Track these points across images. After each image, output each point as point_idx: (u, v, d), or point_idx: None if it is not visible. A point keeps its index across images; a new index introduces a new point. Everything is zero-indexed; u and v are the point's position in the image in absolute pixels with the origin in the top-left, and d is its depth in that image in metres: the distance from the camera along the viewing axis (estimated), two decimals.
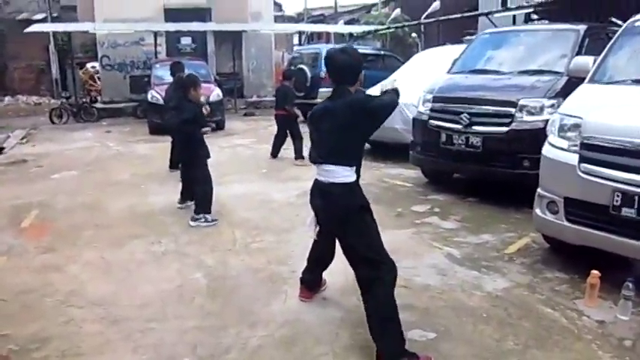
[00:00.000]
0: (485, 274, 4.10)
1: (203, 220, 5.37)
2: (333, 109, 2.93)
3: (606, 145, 3.68)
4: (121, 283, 4.07)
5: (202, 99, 6.86)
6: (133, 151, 10.09)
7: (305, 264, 3.77)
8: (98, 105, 16.36)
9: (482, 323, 3.36)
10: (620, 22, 7.37)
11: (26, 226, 5.58)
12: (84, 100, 16.48)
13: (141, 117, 15.23)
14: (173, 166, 7.57)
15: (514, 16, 12.16)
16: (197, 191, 5.53)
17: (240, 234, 5.07)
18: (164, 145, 10.25)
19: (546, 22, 10.72)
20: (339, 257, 3.64)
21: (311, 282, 3.72)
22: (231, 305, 3.64)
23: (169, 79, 12.81)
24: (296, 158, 8.67)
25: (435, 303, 3.64)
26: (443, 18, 14.13)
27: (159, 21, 17.18)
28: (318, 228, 3.20)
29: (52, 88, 23.04)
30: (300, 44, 25.53)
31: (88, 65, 19.88)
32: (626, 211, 3.51)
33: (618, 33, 4.74)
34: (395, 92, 3.13)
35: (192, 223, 5.37)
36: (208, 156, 5.61)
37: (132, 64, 17.73)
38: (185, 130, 5.56)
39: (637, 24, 4.61)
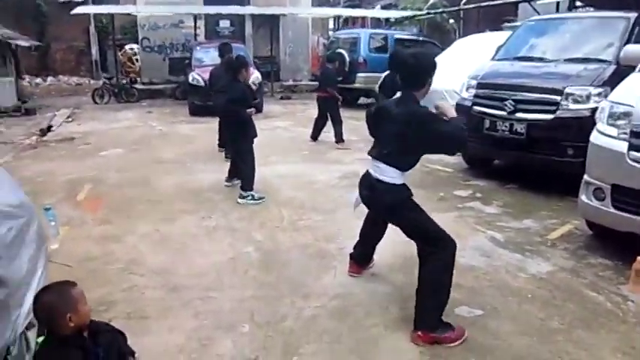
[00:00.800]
0: (528, 257, 4.19)
1: (250, 197, 5.55)
2: (394, 115, 2.96)
3: None
4: (177, 254, 4.29)
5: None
6: (176, 131, 10.37)
7: (352, 241, 3.92)
8: (138, 86, 16.74)
9: (527, 303, 3.46)
10: None
11: (82, 200, 5.86)
12: (124, 81, 16.88)
13: (180, 98, 15.56)
14: (222, 144, 7.79)
15: (557, 3, 11.94)
16: (242, 169, 5.72)
17: (287, 212, 5.25)
18: (205, 125, 10.58)
19: (591, 9, 10.53)
20: (388, 236, 3.79)
21: (361, 257, 3.83)
22: (284, 278, 3.82)
23: (210, 61, 13.23)
24: (336, 142, 8.73)
25: (480, 283, 3.75)
26: (484, 4, 13.96)
27: (198, 4, 17.40)
28: (359, 205, 3.38)
29: (92, 69, 23.60)
30: (334, 29, 25.48)
31: (127, 47, 20.28)
32: None
33: None
34: (463, 123, 3.03)
35: (240, 201, 5.54)
36: (255, 135, 5.78)
37: (171, 46, 18.03)
38: (232, 109, 5.71)
39: None
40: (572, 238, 4.60)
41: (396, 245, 4.14)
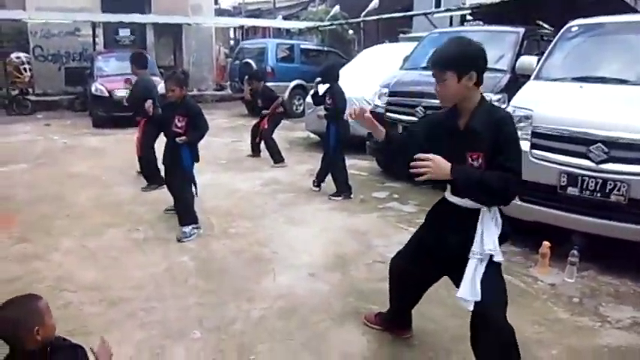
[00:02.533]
0: None
1: (188, 235, 4.82)
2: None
3: (553, 133, 4.26)
4: (109, 269, 4.20)
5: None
6: (82, 144, 9.89)
7: (285, 246, 4.07)
8: (31, 97, 15.71)
9: (454, 289, 3.79)
10: (546, 26, 8.17)
11: None
12: (15, 92, 15.77)
13: (79, 110, 14.84)
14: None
15: (451, 17, 12.88)
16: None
17: (215, 220, 5.28)
18: (113, 137, 10.24)
19: (481, 23, 11.49)
20: (317, 237, 3.99)
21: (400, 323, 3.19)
22: (225, 284, 3.89)
23: (112, 70, 12.81)
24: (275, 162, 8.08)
25: None
26: (385, 16, 14.69)
27: (95, 11, 16.69)
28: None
29: None
30: (235, 38, 25.46)
31: (12, 56, 18.94)
32: (571, 190, 4.08)
33: (557, 36, 5.35)
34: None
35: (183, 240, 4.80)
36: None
37: (67, 55, 17.11)
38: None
39: (572, 29, 5.24)
40: None
41: (327, 245, 4.36)
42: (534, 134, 4.35)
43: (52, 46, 16.99)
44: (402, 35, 14.14)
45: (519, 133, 4.41)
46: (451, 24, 12.88)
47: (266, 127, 8.20)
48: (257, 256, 4.42)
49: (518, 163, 2.34)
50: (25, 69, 17.79)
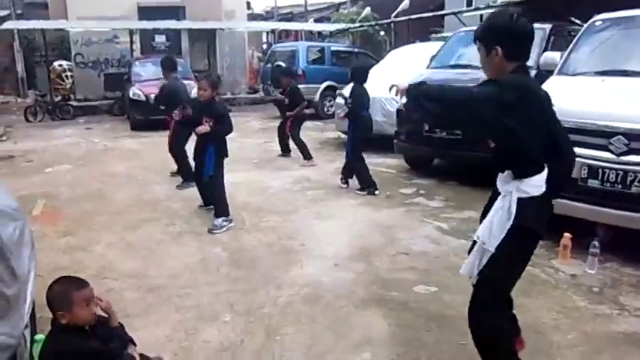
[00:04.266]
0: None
1: (219, 228, 5.07)
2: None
3: (575, 127, 4.30)
4: (147, 259, 4.47)
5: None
6: (121, 146, 10.33)
7: (312, 239, 4.27)
8: (72, 103, 16.39)
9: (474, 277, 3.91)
10: (578, 21, 8.13)
11: (38, 214, 5.86)
12: (58, 98, 16.47)
13: (118, 114, 15.40)
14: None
15: (481, 15, 12.85)
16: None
17: (247, 215, 5.51)
18: (150, 140, 10.65)
19: None
20: (344, 231, 4.14)
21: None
22: (255, 272, 4.10)
23: (149, 75, 13.26)
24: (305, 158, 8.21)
25: (432, 265, 4.19)
26: (415, 16, 14.75)
27: (132, 19, 17.32)
28: None
29: (18, 86, 22.68)
30: (267, 42, 25.87)
31: (56, 64, 19.76)
32: (592, 182, 4.15)
33: (581, 32, 5.40)
34: None
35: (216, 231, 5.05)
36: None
37: (106, 61, 17.81)
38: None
39: (597, 23, 5.27)
40: None
41: (353, 238, 4.53)
42: None
43: (91, 53, 17.69)
44: (433, 35, 14.20)
45: None
46: (481, 21, 12.86)
47: (289, 130, 8.40)
48: (286, 248, 4.62)
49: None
50: (67, 76, 18.57)
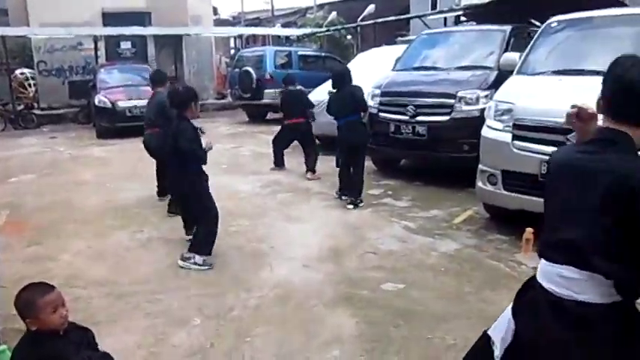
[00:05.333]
0: (438, 239, 4.80)
1: (193, 262, 4.31)
2: (591, 169, 1.65)
3: (533, 124, 4.47)
4: (116, 266, 4.44)
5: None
6: (87, 155, 10.17)
7: (282, 241, 4.29)
8: (36, 111, 16.06)
9: (441, 275, 4.02)
10: (537, 23, 8.38)
11: (2, 225, 5.75)
12: (21, 106, 16.11)
13: (84, 122, 15.14)
14: (162, 192, 6.28)
15: (445, 19, 13.11)
16: (202, 228, 4.50)
17: None
18: (118, 147, 10.53)
19: (474, 23, 11.71)
20: (313, 231, 4.20)
21: None
22: (225, 276, 4.12)
23: (115, 82, 13.12)
24: (308, 171, 7.51)
25: (399, 263, 4.27)
26: (380, 20, 14.95)
27: (97, 25, 17.05)
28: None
29: None
30: (235, 47, 25.82)
31: (17, 72, 19.34)
32: None
33: (538, 32, 5.58)
34: None
35: (181, 263, 4.33)
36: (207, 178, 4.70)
37: (70, 69, 17.49)
38: (198, 154, 4.42)
39: (552, 25, 5.46)
40: (473, 221, 5.28)
41: (322, 239, 4.58)
42: (515, 126, 4.58)
43: (55, 60, 17.35)
44: (399, 39, 14.40)
45: (501, 125, 4.73)
46: (445, 25, 13.11)
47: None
48: (255, 251, 4.65)
49: None
50: (29, 84, 18.18)
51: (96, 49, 16.50)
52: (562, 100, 4.58)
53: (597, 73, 4.70)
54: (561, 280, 1.65)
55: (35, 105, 16.69)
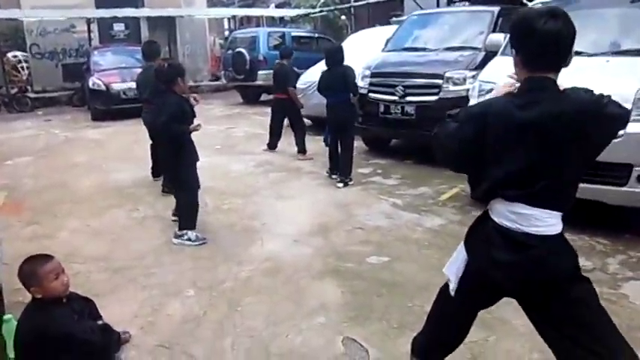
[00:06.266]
0: (424, 215, 4.97)
1: (187, 238, 4.47)
2: (537, 121, 1.77)
3: None
4: (113, 243, 4.60)
5: None
6: (82, 137, 10.28)
7: (273, 218, 4.43)
8: (30, 95, 16.08)
9: (425, 249, 4.20)
10: (529, 4, 8.47)
11: (0, 206, 5.89)
12: (15, 90, 16.12)
13: (78, 105, 15.19)
14: (157, 173, 6.40)
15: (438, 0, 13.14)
16: (181, 202, 4.70)
17: (209, 199, 5.65)
18: (112, 129, 10.64)
19: (467, 3, 11.76)
20: (304, 207, 4.36)
21: None
22: (218, 251, 4.29)
23: (109, 65, 13.16)
24: (298, 152, 7.63)
25: (386, 238, 4.45)
26: (373, 0, 14.95)
27: (89, 7, 16.98)
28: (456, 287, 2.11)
29: None
30: (229, 29, 25.72)
31: (9, 55, 19.27)
32: None
33: None
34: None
35: (175, 241, 4.48)
36: (197, 159, 4.77)
37: (63, 51, 17.46)
38: (172, 129, 4.48)
39: (536, 6, 5.56)
40: (459, 198, 5.45)
41: (311, 216, 4.74)
42: None
43: (48, 43, 17.32)
44: (394, 19, 14.42)
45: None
46: (438, 5, 13.14)
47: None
48: (247, 228, 4.81)
49: None
50: (22, 67, 18.15)
51: (89, 31, 16.47)
52: None
53: (579, 53, 4.88)
54: (513, 215, 1.86)
55: (29, 88, 16.70)
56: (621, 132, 2.19)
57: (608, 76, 4.33)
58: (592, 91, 1.84)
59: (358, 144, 7.96)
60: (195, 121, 4.66)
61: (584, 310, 1.88)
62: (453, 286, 2.11)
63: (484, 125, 1.86)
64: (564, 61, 1.82)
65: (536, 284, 1.88)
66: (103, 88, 12.29)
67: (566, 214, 1.88)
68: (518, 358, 2.78)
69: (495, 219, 1.92)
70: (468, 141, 1.91)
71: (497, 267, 1.90)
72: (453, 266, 2.14)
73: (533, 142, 1.79)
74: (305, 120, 8.20)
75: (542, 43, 1.78)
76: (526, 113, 1.79)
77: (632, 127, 3.42)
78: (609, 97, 1.83)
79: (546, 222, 1.84)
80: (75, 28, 17.22)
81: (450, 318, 2.25)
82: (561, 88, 1.83)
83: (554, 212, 1.85)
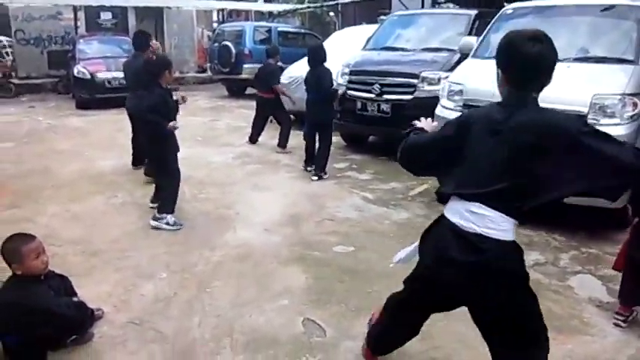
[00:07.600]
0: (392, 209, 5.20)
1: (165, 222, 4.68)
2: (511, 125, 1.92)
3: (480, 104, 4.83)
4: (91, 228, 4.76)
5: None
6: (66, 124, 10.35)
7: (247, 208, 4.63)
8: (14, 81, 16.03)
9: (390, 240, 4.43)
10: (507, 5, 8.73)
11: None
12: None
13: (63, 92, 15.19)
14: (137, 161, 6.55)
15: (422, 0, 13.39)
16: (162, 187, 4.94)
17: (187, 188, 5.81)
18: (96, 118, 10.73)
19: (451, 5, 12.00)
20: (275, 198, 4.54)
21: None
22: (192, 237, 4.48)
23: (94, 54, 13.21)
24: (279, 145, 7.79)
25: (353, 229, 4.67)
26: None
27: None
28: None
29: None
30: (218, 21, 25.73)
31: None
32: None
33: (495, 18, 5.93)
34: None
35: (152, 223, 4.69)
36: (177, 150, 4.96)
37: (49, 38, 17.37)
38: (151, 119, 4.68)
39: (508, 12, 5.82)
40: (427, 194, 5.68)
41: (284, 207, 4.94)
42: (465, 105, 4.95)
43: (33, 29, 17.22)
44: (382, 17, 14.62)
45: (453, 105, 5.11)
46: (423, 6, 13.38)
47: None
48: (222, 216, 5.00)
49: None
50: (7, 52, 18.04)
51: (75, 19, 16.45)
52: None
53: None
54: (469, 214, 1.96)
55: (13, 74, 16.63)
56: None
57: (567, 82, 4.57)
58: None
59: (336, 139, 8.16)
60: (179, 116, 4.85)
61: (519, 320, 2.02)
62: (397, 257, 2.40)
63: (468, 125, 2.05)
64: (546, 82, 1.96)
65: (483, 287, 1.97)
66: (88, 76, 12.35)
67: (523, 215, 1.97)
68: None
69: (450, 217, 2.03)
70: (447, 137, 2.13)
71: (448, 265, 2.00)
72: (403, 252, 2.42)
73: (501, 145, 1.92)
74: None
75: (526, 67, 1.93)
76: (502, 118, 1.94)
77: None
78: (592, 126, 1.97)
79: (500, 226, 1.91)
80: (62, 15, 17.15)
81: (402, 311, 2.47)
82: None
83: (509, 218, 1.93)
